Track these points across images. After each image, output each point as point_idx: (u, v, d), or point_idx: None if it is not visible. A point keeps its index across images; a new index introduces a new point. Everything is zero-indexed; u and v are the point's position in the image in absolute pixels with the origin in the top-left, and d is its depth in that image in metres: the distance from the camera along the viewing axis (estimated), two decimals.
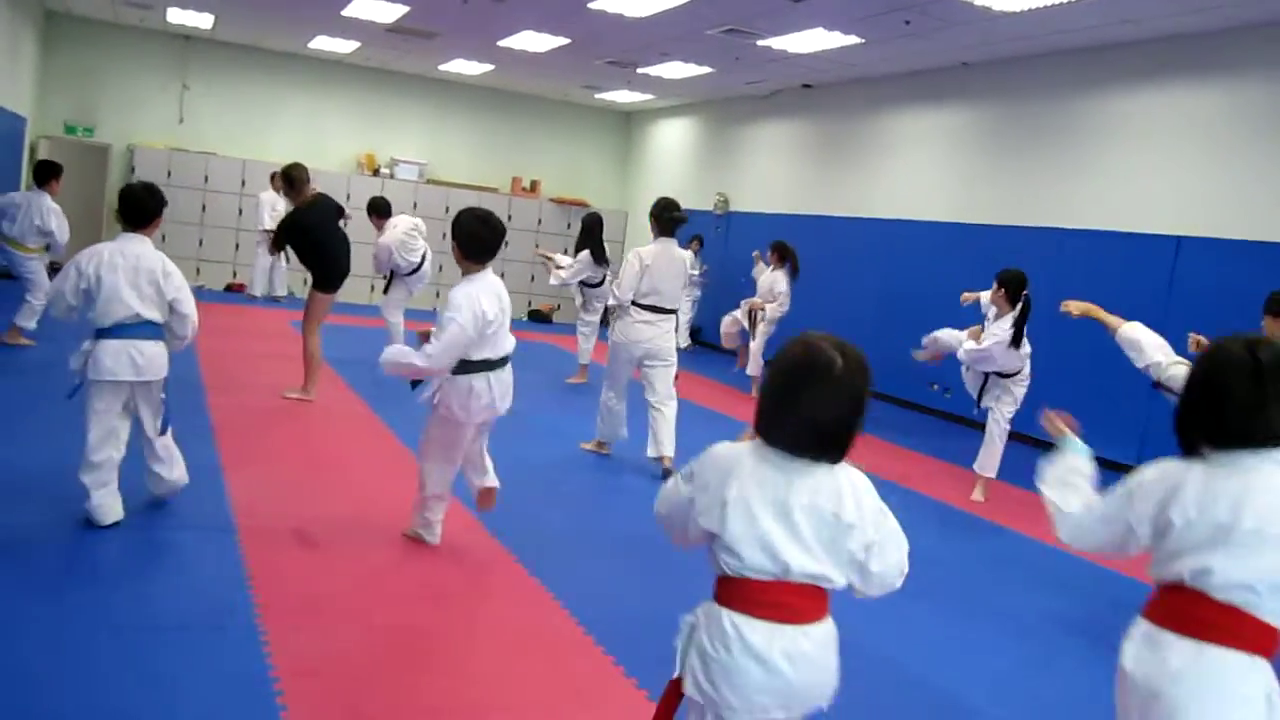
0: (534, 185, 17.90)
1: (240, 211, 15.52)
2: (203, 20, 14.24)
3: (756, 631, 2.32)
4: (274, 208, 13.53)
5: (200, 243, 15.17)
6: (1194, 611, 2.32)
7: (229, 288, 15.40)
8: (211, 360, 9.14)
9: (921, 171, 12.12)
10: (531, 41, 12.93)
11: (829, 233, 13.31)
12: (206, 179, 15.51)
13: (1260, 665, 2.30)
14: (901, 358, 11.73)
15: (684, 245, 13.16)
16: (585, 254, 10.64)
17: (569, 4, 10.76)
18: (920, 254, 11.71)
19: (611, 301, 7.39)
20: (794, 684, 2.33)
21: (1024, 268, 10.20)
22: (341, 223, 8.64)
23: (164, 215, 4.89)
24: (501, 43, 13.23)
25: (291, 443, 6.75)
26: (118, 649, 3.50)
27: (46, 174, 9.07)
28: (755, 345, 11.55)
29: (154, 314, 4.62)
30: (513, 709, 3.45)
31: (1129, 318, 8.15)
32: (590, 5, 10.63)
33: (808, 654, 2.35)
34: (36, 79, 14.90)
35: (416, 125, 17.38)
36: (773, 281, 11.59)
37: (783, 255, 11.62)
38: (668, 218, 7.19)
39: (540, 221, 17.34)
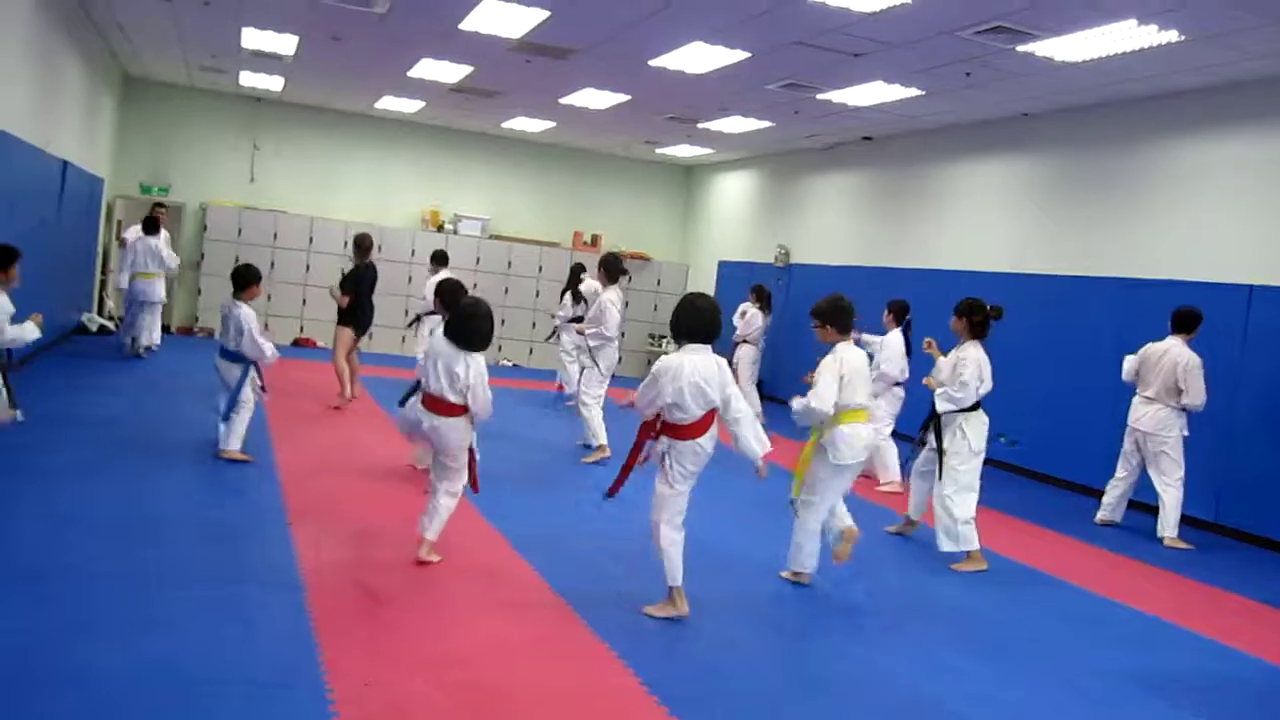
0: (595, 239, 18.04)
1: (308, 268, 15.82)
2: (273, 83, 14.64)
3: (704, 442, 5.04)
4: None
5: (269, 298, 15.45)
6: None
7: (296, 342, 15.66)
8: (277, 412, 9.30)
9: (983, 222, 12.02)
10: (592, 99, 13.09)
11: (892, 284, 13.18)
12: (275, 235, 15.86)
13: None
14: None
15: (744, 297, 13.45)
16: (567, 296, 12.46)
17: (629, 62, 10.90)
18: None
19: (595, 342, 9.23)
20: (709, 452, 5.06)
21: (1091, 318, 10.12)
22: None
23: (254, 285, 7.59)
24: (563, 100, 13.42)
25: (357, 494, 6.80)
26: (186, 703, 3.52)
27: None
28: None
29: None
30: None
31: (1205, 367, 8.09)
32: (650, 63, 10.75)
33: (711, 440, 5.06)
34: (114, 141, 15.40)
35: (479, 181, 17.65)
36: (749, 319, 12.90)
37: (760, 296, 12.99)
38: (616, 271, 9.39)
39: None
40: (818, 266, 14.68)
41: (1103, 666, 5.10)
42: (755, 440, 5.10)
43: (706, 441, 5.03)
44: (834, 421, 5.62)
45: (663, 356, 5.06)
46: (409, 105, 15.29)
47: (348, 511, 6.39)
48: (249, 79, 14.53)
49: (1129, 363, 8.53)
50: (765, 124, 13.55)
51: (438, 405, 5.33)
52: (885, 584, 6.24)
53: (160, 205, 12.48)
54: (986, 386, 6.78)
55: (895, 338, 9.41)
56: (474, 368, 5.29)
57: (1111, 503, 8.68)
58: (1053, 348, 10.21)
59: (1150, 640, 5.68)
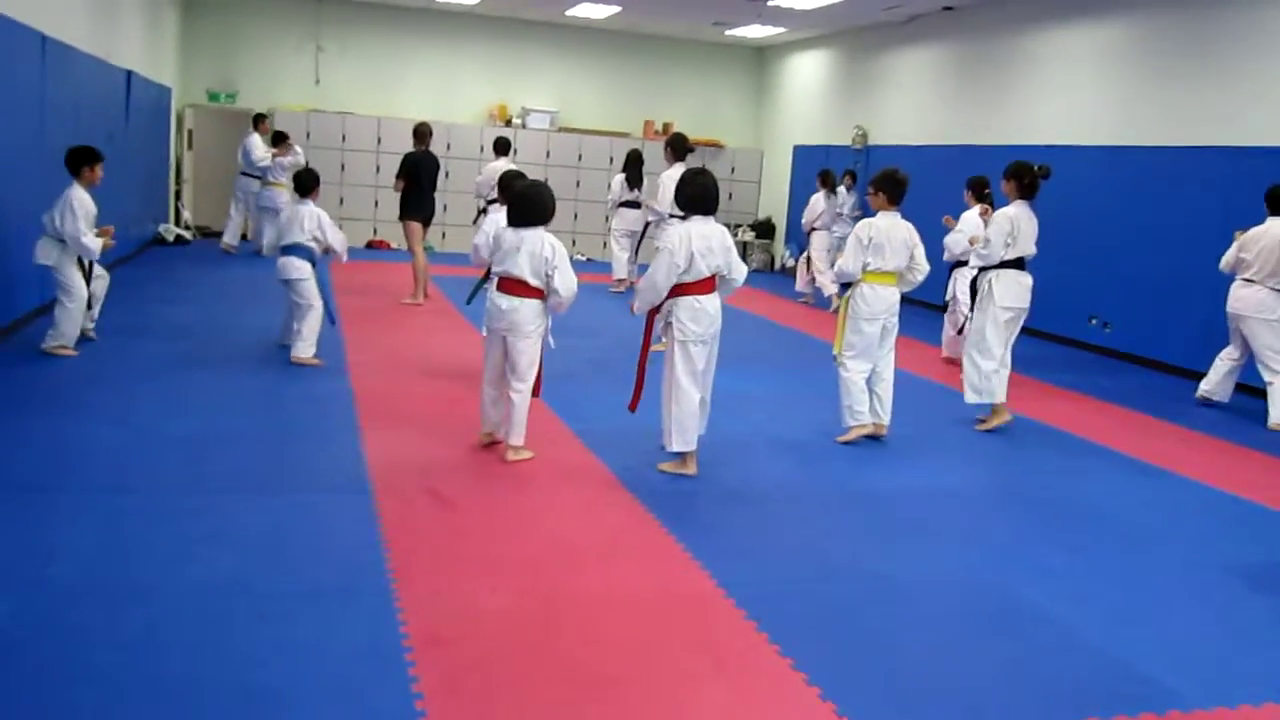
0: (666, 128, 17.55)
1: (378, 169, 15.69)
2: None
3: (702, 300, 5.25)
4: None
5: (341, 201, 15.40)
6: None
7: (370, 244, 15.62)
8: (350, 314, 9.28)
9: (1076, 93, 11.35)
10: None
11: (977, 163, 12.52)
12: (344, 138, 15.74)
13: None
14: (1063, 292, 11.14)
15: (839, 181, 13.15)
16: (620, 177, 12.66)
17: None
18: (1079, 182, 11.00)
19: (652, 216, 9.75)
20: (710, 314, 5.29)
21: (1192, 191, 9.54)
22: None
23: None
24: None
25: (426, 394, 6.74)
26: (254, 615, 3.48)
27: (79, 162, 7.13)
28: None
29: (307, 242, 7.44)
30: (649, 679, 3.29)
31: None
32: None
33: (716, 304, 5.32)
34: (179, 50, 15.30)
35: (546, 73, 17.24)
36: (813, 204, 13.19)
37: (824, 180, 13.21)
38: (683, 149, 9.62)
39: None
40: (898, 147, 14.10)
41: (1208, 560, 4.84)
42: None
43: (706, 301, 5.27)
44: (860, 280, 6.17)
45: (666, 231, 5.56)
46: None
47: (416, 412, 6.33)
48: None
49: (1228, 255, 8.12)
50: None
51: (517, 287, 5.31)
52: (969, 477, 6.00)
53: (425, 126, 11.12)
54: (1024, 248, 6.78)
55: (972, 214, 8.95)
56: (559, 248, 5.34)
57: (1216, 378, 8.26)
58: (1155, 225, 9.61)
59: (1258, 530, 5.39)
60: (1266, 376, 7.84)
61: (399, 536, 4.25)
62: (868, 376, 6.29)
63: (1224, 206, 9.21)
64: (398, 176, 10.57)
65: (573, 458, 5.65)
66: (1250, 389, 8.32)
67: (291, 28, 16.04)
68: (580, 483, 5.25)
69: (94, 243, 6.88)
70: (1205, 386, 8.32)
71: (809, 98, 16.92)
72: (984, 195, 9.14)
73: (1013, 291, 6.80)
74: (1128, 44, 10.63)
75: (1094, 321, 9.94)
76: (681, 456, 5.43)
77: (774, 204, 17.60)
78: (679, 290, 5.24)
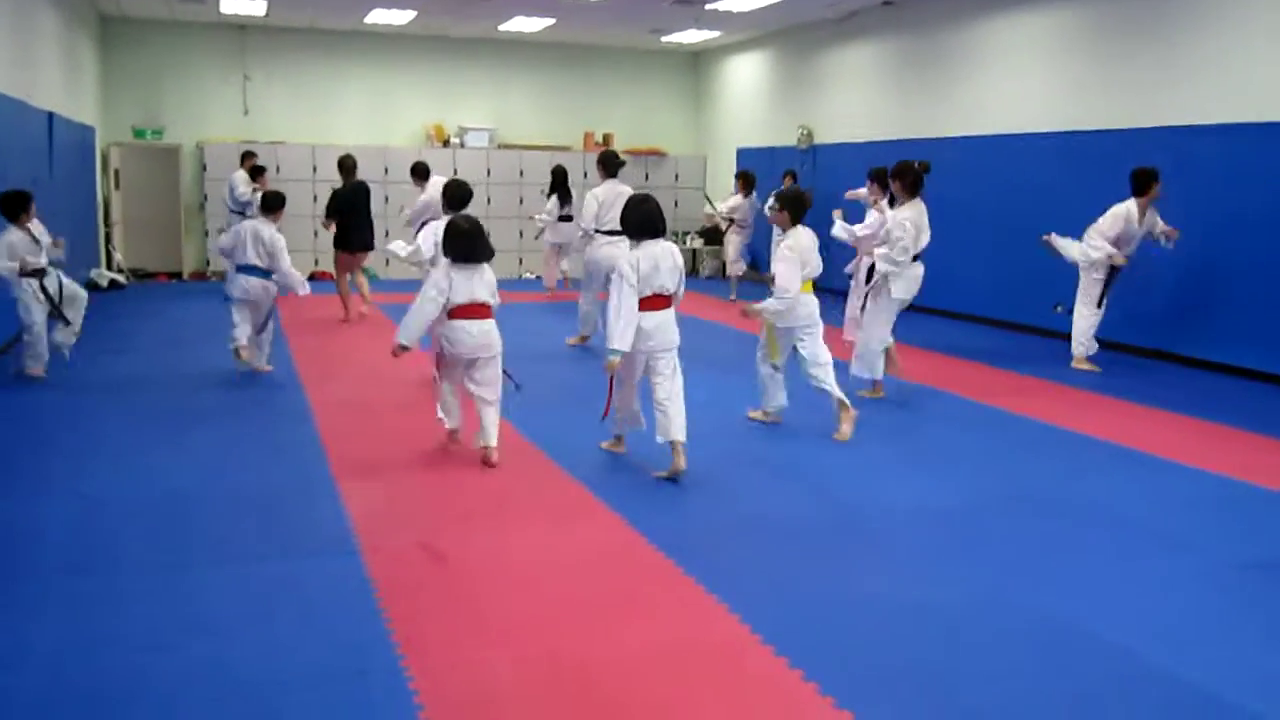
0: (607, 139, 17.33)
1: (315, 198, 15.23)
2: (256, 7, 13.89)
3: (655, 315, 5.53)
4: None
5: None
6: None
7: (312, 276, 15.11)
8: (305, 356, 8.92)
9: (1023, 81, 11.29)
10: None
11: (926, 156, 12.46)
12: (278, 169, 15.23)
13: None
14: (1021, 280, 11.06)
15: (778, 181, 13.10)
16: (554, 197, 12.54)
17: None
18: (1032, 169, 10.95)
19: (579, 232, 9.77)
20: (665, 330, 5.61)
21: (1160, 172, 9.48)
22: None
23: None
24: None
25: (393, 427, 6.40)
26: (247, 713, 3.14)
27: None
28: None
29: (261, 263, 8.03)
30: None
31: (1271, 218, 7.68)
32: None
33: (670, 318, 5.64)
34: (100, 86, 14.75)
35: (482, 91, 16.91)
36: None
37: (744, 180, 13.68)
38: (614, 165, 9.65)
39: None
40: (844, 145, 13.98)
41: (1248, 558, 4.67)
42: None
43: (660, 315, 5.58)
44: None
45: (621, 259, 5.57)
46: (401, 16, 14.52)
47: (386, 449, 6.02)
48: (230, 4, 13.76)
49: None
50: None
51: (481, 310, 5.77)
52: (970, 484, 5.80)
53: (350, 158, 11.77)
54: (925, 239, 7.28)
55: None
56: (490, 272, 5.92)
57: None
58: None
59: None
60: None
61: (397, 603, 3.91)
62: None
63: (1185, 185, 9.16)
64: (327, 215, 11.23)
65: (560, 489, 5.37)
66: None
67: (215, 58, 15.55)
68: (575, 517, 4.96)
69: (7, 268, 7.43)
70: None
71: (750, 100, 16.76)
72: (888, 187, 9.20)
73: (908, 286, 7.39)
74: (1070, 29, 10.58)
75: (1059, 309, 9.80)
76: (616, 437, 6.06)
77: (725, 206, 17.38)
78: (640, 305, 5.53)
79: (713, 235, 17.07)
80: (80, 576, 4.15)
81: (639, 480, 5.60)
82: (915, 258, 7.39)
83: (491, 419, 5.81)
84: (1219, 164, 8.95)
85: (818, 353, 6.56)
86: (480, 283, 5.76)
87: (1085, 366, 9.12)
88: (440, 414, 6.14)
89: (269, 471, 5.65)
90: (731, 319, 11.17)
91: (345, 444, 6.21)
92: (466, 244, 5.73)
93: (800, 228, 6.43)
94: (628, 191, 8.76)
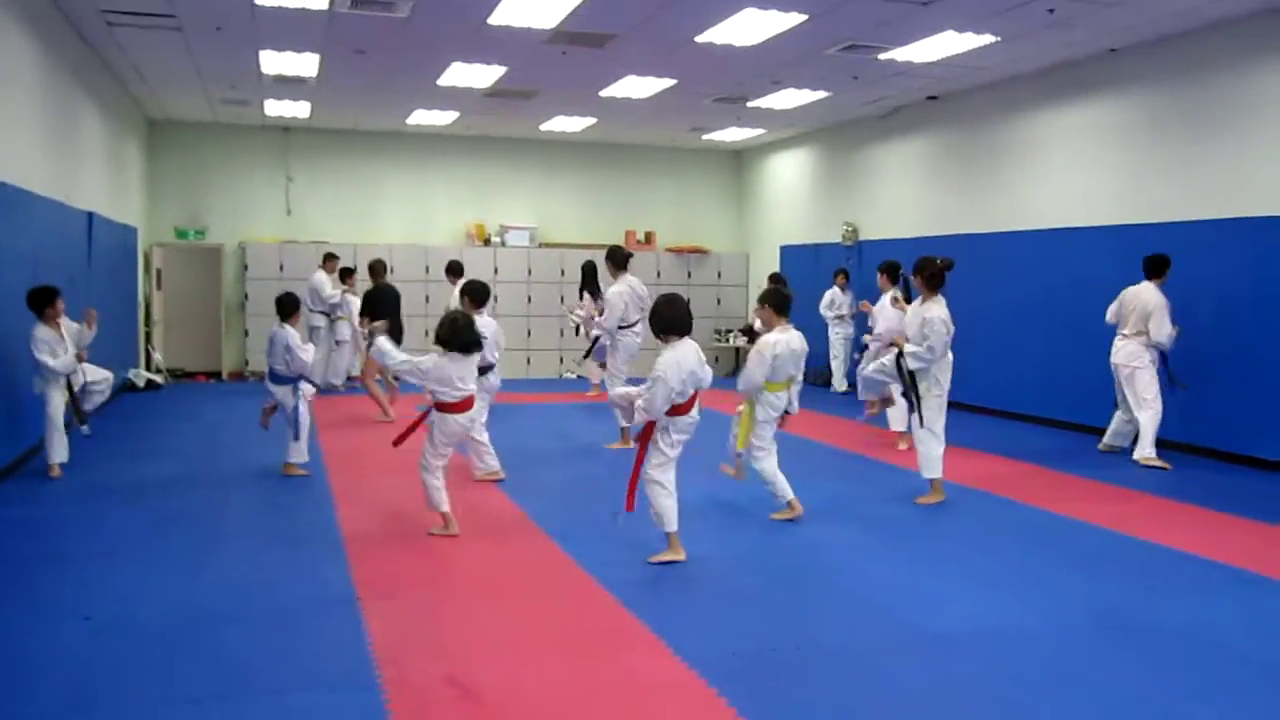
0: (649, 237, 17.22)
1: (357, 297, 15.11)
2: (300, 109, 14.00)
3: (688, 416, 5.81)
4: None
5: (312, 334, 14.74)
6: None
7: (350, 379, 14.87)
8: (336, 459, 8.64)
9: (1070, 174, 11.01)
10: (634, 87, 12.28)
11: (974, 251, 12.21)
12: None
13: None
14: (1076, 378, 10.61)
15: (831, 280, 12.94)
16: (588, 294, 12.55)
17: (673, 41, 10.07)
18: (1082, 264, 10.59)
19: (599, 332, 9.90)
20: (697, 420, 5.86)
21: (1206, 265, 9.10)
22: None
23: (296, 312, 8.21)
24: (603, 92, 12.63)
25: (430, 559, 6.04)
26: None
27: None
28: None
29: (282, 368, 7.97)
30: None
31: None
32: (697, 39, 9.92)
33: (698, 410, 5.85)
34: (144, 187, 14.87)
35: (523, 189, 16.90)
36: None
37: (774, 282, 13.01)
38: (623, 260, 9.79)
39: (659, 274, 16.59)
40: (890, 241, 13.69)
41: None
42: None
43: (695, 413, 5.86)
44: (764, 389, 6.64)
45: (660, 357, 5.69)
46: (443, 117, 14.57)
47: (409, 561, 5.65)
48: (274, 107, 13.90)
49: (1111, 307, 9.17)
50: (820, 94, 12.64)
51: (469, 403, 6.45)
52: (1047, 603, 5.32)
53: (380, 262, 12.46)
54: (950, 335, 7.29)
55: (885, 301, 9.40)
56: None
57: (1113, 430, 9.39)
58: (1183, 303, 9.09)
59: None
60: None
61: None
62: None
63: (1254, 276, 8.78)
64: (362, 315, 11.57)
65: (600, 609, 4.96)
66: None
67: (259, 159, 15.66)
68: (614, 642, 4.55)
69: (52, 361, 7.54)
70: (1106, 440, 9.46)
71: (793, 197, 16.60)
72: (898, 279, 9.52)
73: (949, 374, 7.46)
74: (1117, 122, 10.31)
75: (1182, 386, 9.29)
76: (669, 543, 5.84)
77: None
78: (677, 410, 5.75)
79: (755, 333, 16.76)
80: (79, 716, 3.79)
81: (687, 598, 5.19)
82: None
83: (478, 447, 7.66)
84: (1274, 256, 8.58)
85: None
86: (471, 375, 6.45)
87: (1156, 463, 8.70)
88: (443, 505, 6.40)
89: (292, 587, 5.30)
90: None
91: (371, 555, 5.86)
92: (462, 337, 6.28)
93: (786, 328, 6.69)
94: (638, 283, 9.80)
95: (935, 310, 7.25)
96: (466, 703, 3.89)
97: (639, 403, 5.75)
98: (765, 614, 5.00)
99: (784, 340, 6.60)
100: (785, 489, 6.86)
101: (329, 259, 14.00)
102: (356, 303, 13.00)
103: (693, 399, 5.81)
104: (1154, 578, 5.72)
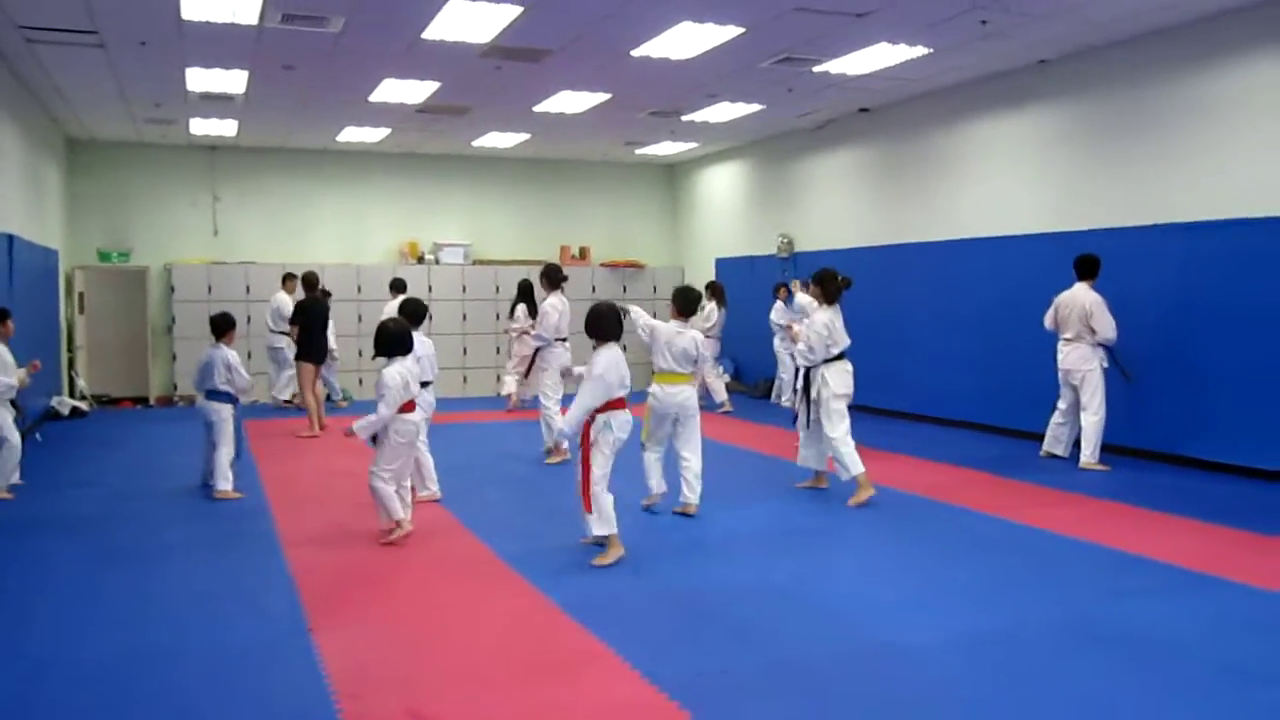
0: (583, 252, 17.17)
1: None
2: (227, 127, 13.71)
3: (621, 413, 6.14)
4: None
5: (249, 355, 14.38)
6: None
7: (288, 402, 14.53)
8: (275, 480, 8.41)
9: (1002, 183, 11.19)
10: (569, 102, 12.23)
11: (909, 261, 12.38)
12: (248, 289, 14.93)
13: None
14: (1013, 385, 10.75)
15: (773, 295, 13.00)
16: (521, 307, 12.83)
17: (609, 56, 10.04)
18: (1018, 270, 10.74)
19: (539, 342, 9.90)
20: (630, 422, 6.18)
21: (1140, 270, 9.28)
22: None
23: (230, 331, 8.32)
24: (537, 107, 12.55)
25: (381, 585, 5.89)
26: None
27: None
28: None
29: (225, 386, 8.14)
30: None
31: (1271, 313, 7.66)
32: (633, 53, 9.90)
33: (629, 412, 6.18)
34: (65, 209, 14.44)
35: (456, 207, 16.74)
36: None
37: (714, 291, 14.00)
38: (557, 278, 9.87)
39: (594, 289, 16.52)
40: (825, 252, 13.79)
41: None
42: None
43: (628, 413, 6.20)
44: (654, 379, 7.26)
45: (595, 358, 6.12)
46: (373, 134, 14.36)
47: (362, 585, 5.50)
48: (200, 126, 13.59)
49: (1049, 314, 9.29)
50: (754, 108, 12.71)
51: (414, 405, 6.72)
52: (1018, 608, 5.34)
53: (313, 274, 12.54)
54: (840, 343, 7.82)
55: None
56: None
57: (1051, 437, 9.48)
58: (1118, 308, 9.22)
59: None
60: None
61: None
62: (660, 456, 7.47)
63: (1182, 282, 8.97)
64: (291, 322, 12.04)
65: (563, 635, 4.86)
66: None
67: (185, 179, 15.31)
68: (576, 665, 4.45)
69: (6, 378, 7.71)
70: (1045, 447, 9.49)
71: (727, 209, 16.66)
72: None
73: (843, 380, 7.84)
74: (1057, 130, 10.49)
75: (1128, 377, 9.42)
76: (612, 539, 6.12)
77: (696, 319, 17.14)
78: (614, 405, 6.12)
79: None
80: None
81: (647, 617, 5.12)
82: (841, 355, 7.87)
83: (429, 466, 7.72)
84: (1219, 261, 8.76)
85: (686, 443, 7.31)
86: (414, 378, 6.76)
87: (1096, 467, 8.86)
88: (399, 516, 6.58)
89: (237, 620, 5.11)
90: (718, 432, 10.79)
91: (320, 583, 5.69)
92: (397, 343, 6.68)
93: (676, 324, 7.37)
94: (568, 304, 10.00)
95: (820, 315, 7.86)
96: None
97: (576, 401, 6.09)
98: (728, 631, 4.93)
99: (666, 331, 7.25)
100: (653, 481, 7.45)
101: (288, 279, 13.84)
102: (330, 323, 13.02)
103: (623, 400, 6.18)
104: (1111, 581, 5.77)
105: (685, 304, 7.45)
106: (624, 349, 6.29)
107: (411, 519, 6.69)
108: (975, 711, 3.98)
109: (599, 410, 6.08)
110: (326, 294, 13.06)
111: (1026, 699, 4.09)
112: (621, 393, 6.15)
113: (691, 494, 7.30)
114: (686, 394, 7.23)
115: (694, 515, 7.28)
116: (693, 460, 7.30)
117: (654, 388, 7.25)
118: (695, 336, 7.27)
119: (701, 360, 7.35)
